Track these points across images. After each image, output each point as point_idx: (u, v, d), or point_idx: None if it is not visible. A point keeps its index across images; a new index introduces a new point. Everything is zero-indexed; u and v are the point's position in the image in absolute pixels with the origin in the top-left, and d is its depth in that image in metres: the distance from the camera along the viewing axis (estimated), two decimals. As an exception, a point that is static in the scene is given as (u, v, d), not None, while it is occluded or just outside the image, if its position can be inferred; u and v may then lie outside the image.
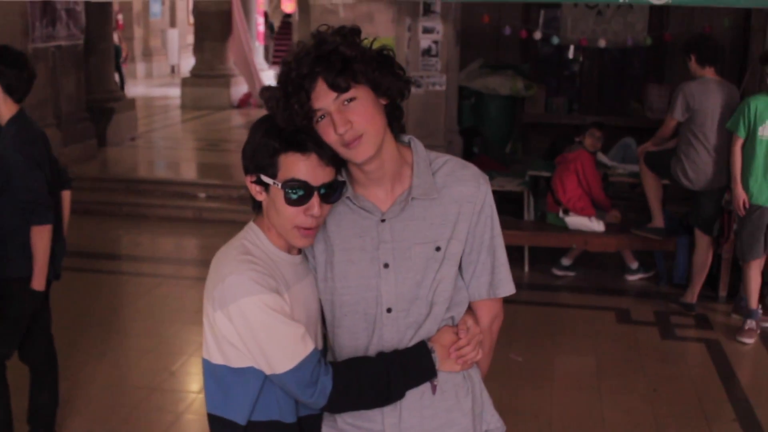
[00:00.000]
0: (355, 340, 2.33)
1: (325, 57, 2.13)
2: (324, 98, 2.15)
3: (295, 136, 2.19)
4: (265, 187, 2.24)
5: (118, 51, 18.41)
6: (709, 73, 6.78)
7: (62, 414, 4.91)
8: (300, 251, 2.37)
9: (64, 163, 10.68)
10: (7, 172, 4.13)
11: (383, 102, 2.23)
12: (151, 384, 5.57)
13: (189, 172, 12.41)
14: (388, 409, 2.31)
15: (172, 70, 26.56)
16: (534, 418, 5.18)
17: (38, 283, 4.27)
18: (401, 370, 2.25)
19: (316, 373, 2.19)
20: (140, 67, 25.36)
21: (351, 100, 2.15)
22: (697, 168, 6.80)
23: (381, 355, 2.28)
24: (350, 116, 2.15)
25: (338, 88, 2.14)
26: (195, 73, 18.35)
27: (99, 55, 12.98)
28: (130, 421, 5.09)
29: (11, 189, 4.15)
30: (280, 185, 2.20)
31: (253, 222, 2.35)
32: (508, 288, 2.41)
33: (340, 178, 2.28)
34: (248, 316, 2.16)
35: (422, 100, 9.41)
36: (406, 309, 2.29)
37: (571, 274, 7.98)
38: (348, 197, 2.30)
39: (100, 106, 12.71)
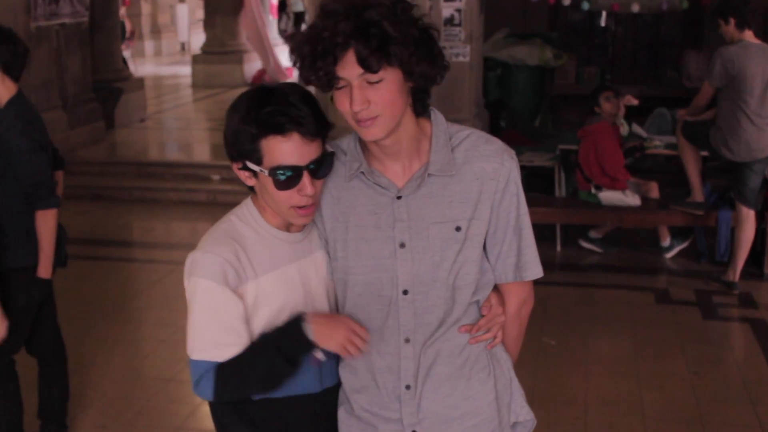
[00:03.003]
0: (368, 321, 2.32)
1: (364, 29, 2.05)
2: (350, 69, 2.10)
3: (271, 118, 2.19)
4: (254, 172, 2.27)
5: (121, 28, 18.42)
6: (748, 36, 6.70)
7: (74, 408, 4.95)
8: (303, 228, 2.38)
9: (71, 146, 10.79)
10: (8, 156, 4.12)
11: (410, 84, 2.18)
12: (166, 375, 5.60)
13: (202, 153, 12.43)
14: (406, 398, 2.31)
15: (182, 47, 26.56)
16: (569, 404, 5.17)
17: (45, 270, 4.27)
18: (276, 352, 2.28)
19: (199, 379, 2.34)
20: (148, 45, 25.38)
21: (377, 80, 2.11)
22: (739, 138, 6.72)
23: (263, 339, 2.31)
24: (370, 95, 2.11)
25: (368, 69, 2.08)
26: (206, 49, 18.34)
27: (105, 33, 12.98)
28: (145, 413, 5.13)
29: (12, 173, 4.14)
30: (267, 172, 2.22)
31: (251, 198, 2.39)
32: (535, 271, 2.38)
33: (329, 149, 2.28)
34: (193, 294, 2.30)
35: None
36: (424, 292, 2.27)
37: (598, 249, 7.93)
38: (362, 172, 2.28)
39: (108, 87, 12.72)
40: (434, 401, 2.32)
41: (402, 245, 2.26)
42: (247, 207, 2.38)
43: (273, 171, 2.21)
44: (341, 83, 2.12)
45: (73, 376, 4.87)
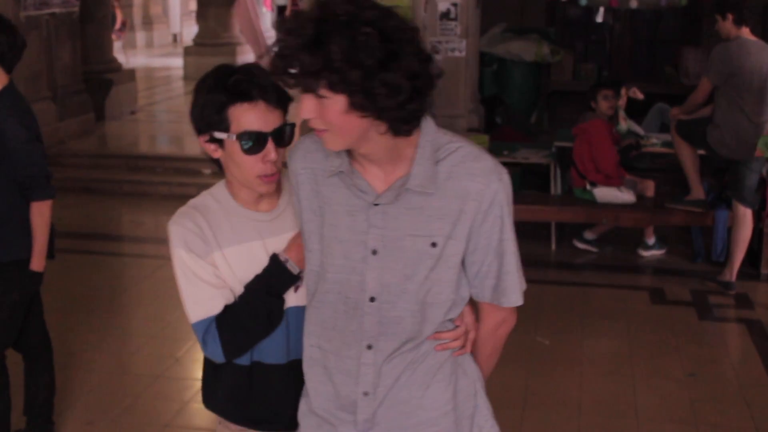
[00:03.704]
0: (331, 321, 2.29)
1: (309, 46, 1.95)
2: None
3: (239, 86, 2.31)
4: (220, 143, 2.41)
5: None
6: (745, 33, 6.72)
7: (61, 404, 4.93)
8: (276, 207, 2.51)
9: (61, 138, 10.76)
10: (3, 146, 4.08)
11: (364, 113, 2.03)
12: (155, 371, 5.59)
13: (193, 147, 12.35)
14: (363, 404, 2.28)
15: (174, 38, 26.53)
16: (562, 404, 5.16)
17: (38, 263, 4.25)
18: (268, 296, 2.44)
19: (205, 338, 2.45)
20: (140, 36, 25.32)
21: (323, 96, 2.01)
22: (737, 136, 6.73)
23: (251, 289, 2.45)
24: (318, 108, 2.04)
25: (303, 86, 2.02)
26: (198, 41, 18.32)
27: (96, 23, 12.93)
28: (132, 410, 5.12)
29: (7, 163, 4.11)
30: (234, 137, 2.36)
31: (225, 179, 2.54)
32: (514, 298, 2.30)
33: (289, 121, 2.39)
34: (174, 265, 2.47)
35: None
36: (391, 302, 2.22)
37: (593, 249, 7.93)
38: (342, 171, 2.20)
39: (98, 78, 12.69)
40: (390, 407, 2.29)
41: (374, 252, 2.20)
42: (219, 185, 2.55)
43: (240, 136, 2.34)
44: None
45: (60, 372, 4.85)
